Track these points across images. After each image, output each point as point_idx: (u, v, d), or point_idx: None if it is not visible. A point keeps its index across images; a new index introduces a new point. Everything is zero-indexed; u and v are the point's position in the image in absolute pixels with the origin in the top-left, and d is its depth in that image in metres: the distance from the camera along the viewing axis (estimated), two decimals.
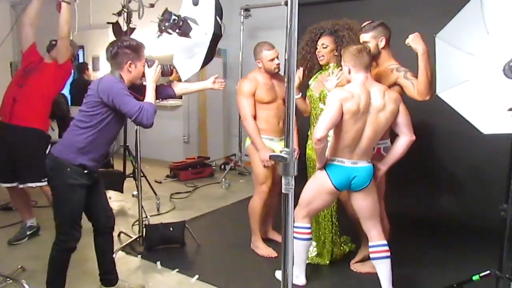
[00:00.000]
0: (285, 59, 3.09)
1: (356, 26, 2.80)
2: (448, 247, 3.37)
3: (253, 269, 3.03)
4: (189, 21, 3.07)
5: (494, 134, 2.18)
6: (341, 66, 2.83)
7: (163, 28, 3.06)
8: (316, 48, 2.89)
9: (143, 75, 2.45)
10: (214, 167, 5.92)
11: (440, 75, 2.32)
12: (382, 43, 2.60)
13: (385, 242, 2.51)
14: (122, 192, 4.40)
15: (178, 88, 2.77)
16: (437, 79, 2.33)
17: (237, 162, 5.84)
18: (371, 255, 2.52)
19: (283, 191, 1.08)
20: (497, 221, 3.53)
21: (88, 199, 2.37)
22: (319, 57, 2.87)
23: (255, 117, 3.07)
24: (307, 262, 3.02)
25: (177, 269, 2.97)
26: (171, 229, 3.29)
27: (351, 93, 2.30)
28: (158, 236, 3.25)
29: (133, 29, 3.90)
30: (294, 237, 2.54)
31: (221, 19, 3.31)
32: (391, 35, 2.63)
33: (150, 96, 2.38)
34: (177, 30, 3.07)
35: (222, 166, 6.14)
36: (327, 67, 2.90)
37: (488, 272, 2.28)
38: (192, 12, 3.13)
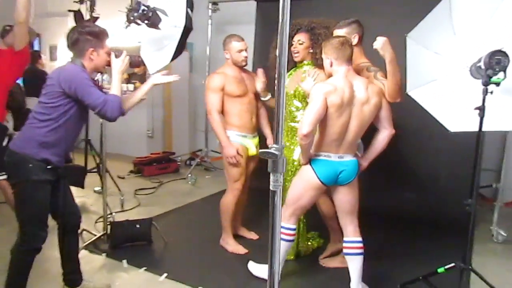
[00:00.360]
0: (272, 54, 2.92)
1: (333, 25, 2.82)
2: (413, 241, 3.47)
3: (223, 266, 2.99)
4: (158, 12, 2.98)
5: (461, 132, 2.27)
6: (315, 65, 2.86)
7: (132, 18, 2.94)
8: (292, 45, 2.88)
9: (108, 64, 2.33)
10: (179, 163, 5.81)
11: (410, 73, 2.38)
12: (355, 40, 2.62)
13: (360, 239, 2.52)
14: (83, 187, 4.23)
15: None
16: (407, 78, 2.39)
17: (203, 158, 5.76)
18: (345, 250, 2.53)
19: (271, 188, 1.05)
20: (459, 216, 3.70)
21: (52, 196, 2.24)
22: (294, 53, 2.86)
23: (222, 112, 3.02)
24: None
25: (144, 268, 2.88)
26: (137, 226, 3.19)
27: (334, 86, 2.27)
28: (123, 234, 3.14)
29: (97, 18, 3.74)
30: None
31: (192, 11, 3.24)
32: (364, 33, 2.66)
33: (116, 88, 2.27)
34: (145, 21, 2.97)
35: (188, 162, 6.04)
36: (301, 64, 2.90)
37: (453, 264, 2.36)
38: (161, 3, 3.04)
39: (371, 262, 2.83)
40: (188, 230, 3.70)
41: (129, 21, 2.99)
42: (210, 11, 5.54)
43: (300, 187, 2.47)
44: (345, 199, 2.50)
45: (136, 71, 5.39)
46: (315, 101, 2.24)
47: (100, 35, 2.27)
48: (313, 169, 2.40)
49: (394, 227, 3.70)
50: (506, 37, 2.26)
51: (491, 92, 2.04)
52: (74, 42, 2.22)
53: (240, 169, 3.05)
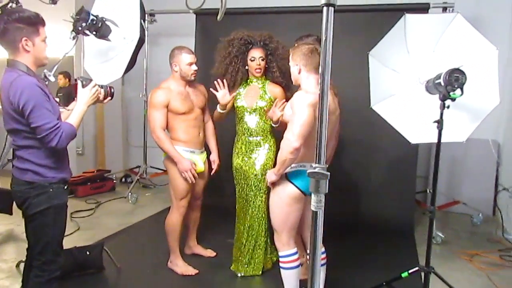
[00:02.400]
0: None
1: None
2: (374, 248, 3.59)
3: None
4: (108, 23, 2.81)
5: (421, 143, 2.44)
6: (270, 78, 2.89)
7: (80, 28, 2.74)
8: (245, 60, 2.89)
9: (75, 94, 2.12)
10: (115, 181, 5.47)
11: (373, 89, 2.52)
12: None
13: (323, 249, 2.54)
14: (11, 214, 3.77)
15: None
16: (371, 93, 2.53)
17: (142, 175, 5.48)
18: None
19: (313, 209, 1.01)
20: (402, 221, 3.92)
21: None
22: (256, 69, 2.87)
23: (168, 128, 2.91)
24: (241, 275, 2.98)
25: None
26: (87, 253, 2.92)
27: (317, 97, 2.15)
28: (72, 262, 2.85)
29: None
30: (282, 268, 2.41)
31: (144, 22, 3.10)
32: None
33: (75, 118, 2.04)
34: (94, 32, 2.78)
35: (124, 179, 5.71)
36: (253, 80, 2.93)
37: (416, 268, 2.50)
38: (110, 13, 2.87)
39: (335, 269, 2.88)
40: (140, 252, 3.47)
41: (77, 31, 2.78)
42: (147, 22, 5.35)
43: (283, 205, 2.32)
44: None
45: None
46: (303, 113, 2.11)
47: (32, 21, 1.95)
48: (291, 182, 2.29)
49: (355, 235, 3.81)
50: (452, 57, 2.50)
51: (448, 107, 2.23)
52: (2, 33, 1.91)
53: (186, 186, 2.91)
